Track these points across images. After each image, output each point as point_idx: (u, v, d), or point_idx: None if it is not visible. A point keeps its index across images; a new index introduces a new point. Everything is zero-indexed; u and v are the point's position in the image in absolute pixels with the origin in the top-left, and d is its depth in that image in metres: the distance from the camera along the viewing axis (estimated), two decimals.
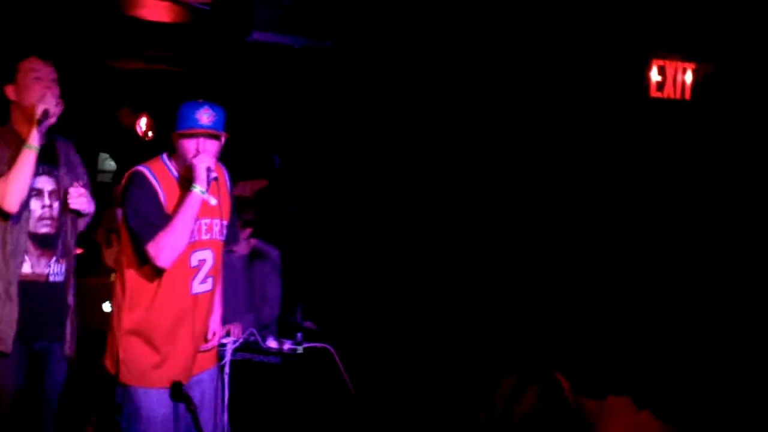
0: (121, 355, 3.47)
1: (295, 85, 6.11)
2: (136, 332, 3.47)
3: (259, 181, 5.86)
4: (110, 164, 7.72)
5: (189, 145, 3.42)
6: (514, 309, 5.46)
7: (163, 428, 3.46)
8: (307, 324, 4.95)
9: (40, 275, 3.61)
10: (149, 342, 3.47)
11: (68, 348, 3.72)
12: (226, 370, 4.10)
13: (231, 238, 3.75)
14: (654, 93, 5.42)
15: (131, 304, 3.48)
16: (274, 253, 5.06)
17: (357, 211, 6.07)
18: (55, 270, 3.64)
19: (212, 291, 3.61)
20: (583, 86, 5.47)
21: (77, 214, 3.71)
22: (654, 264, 5.28)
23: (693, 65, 5.49)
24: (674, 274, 5.19)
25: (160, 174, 3.47)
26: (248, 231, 4.95)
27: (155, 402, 3.44)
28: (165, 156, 3.53)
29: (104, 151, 7.76)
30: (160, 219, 3.39)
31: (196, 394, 3.51)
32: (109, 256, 6.42)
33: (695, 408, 4.55)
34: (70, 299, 3.71)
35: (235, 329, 4.54)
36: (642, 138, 5.45)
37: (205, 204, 3.44)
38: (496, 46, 5.40)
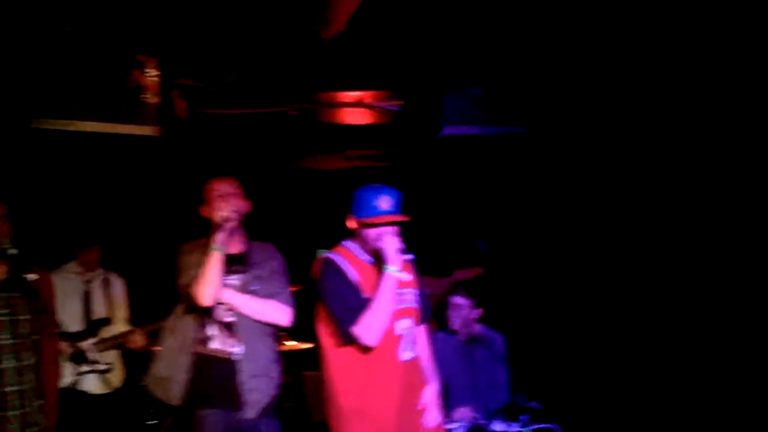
0: None
1: (491, 172, 6.21)
2: (354, 410, 3.65)
3: (474, 269, 5.96)
4: None
5: (371, 231, 3.65)
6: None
7: None
8: (533, 404, 4.91)
9: (224, 353, 4.10)
10: (368, 416, 3.63)
11: (250, 414, 4.05)
12: None
13: (425, 312, 3.90)
14: None
15: (345, 386, 3.68)
16: (498, 338, 5.09)
17: (571, 289, 5.99)
18: (238, 351, 4.08)
19: (417, 358, 3.76)
20: None
21: None
22: None
23: None
24: None
25: (348, 258, 3.71)
26: (477, 312, 5.01)
27: None
28: (348, 242, 3.80)
29: (321, 248, 8.17)
30: (359, 301, 3.59)
31: None
32: None
33: None
34: (243, 376, 4.06)
35: (465, 413, 4.60)
36: None
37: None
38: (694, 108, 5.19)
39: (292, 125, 5.80)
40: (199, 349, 4.12)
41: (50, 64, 4.35)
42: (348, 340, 3.61)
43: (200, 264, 4.03)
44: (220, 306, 4.12)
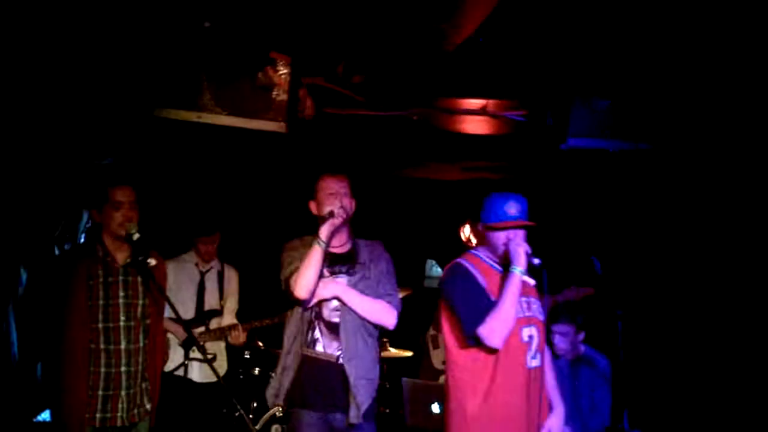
0: None
1: (612, 189, 6.06)
2: (480, 414, 3.68)
3: (585, 288, 5.86)
4: (437, 270, 8.06)
5: (499, 236, 3.72)
6: None
7: None
8: (636, 431, 4.78)
9: (330, 356, 4.11)
10: (495, 420, 3.65)
11: (353, 417, 4.07)
12: None
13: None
14: None
15: (472, 389, 3.71)
16: (603, 361, 5.00)
17: (683, 313, 5.78)
18: (342, 353, 4.10)
19: (542, 367, 3.77)
20: None
21: None
22: None
23: None
24: None
25: (476, 264, 3.78)
26: (582, 334, 4.94)
27: None
28: (475, 250, 3.86)
29: (431, 258, 8.14)
30: (486, 303, 3.65)
31: None
32: (436, 358, 6.68)
33: None
34: (348, 379, 4.08)
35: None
36: None
37: (524, 283, 3.69)
38: None
39: (413, 131, 5.80)
40: (307, 352, 4.13)
41: (185, 55, 4.47)
42: (473, 341, 3.65)
43: (302, 259, 4.07)
44: (327, 305, 4.13)
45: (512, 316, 3.61)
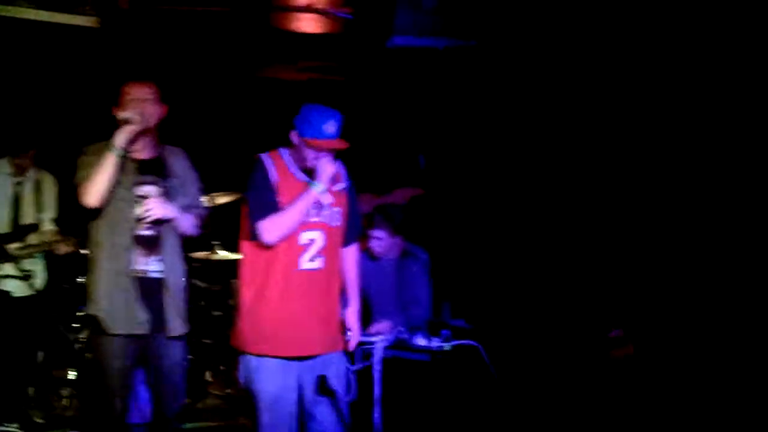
0: (242, 326, 3.87)
1: (439, 86, 6.14)
2: (253, 306, 3.84)
3: (414, 189, 5.97)
4: None
5: (310, 151, 3.80)
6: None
7: (277, 400, 3.80)
8: (458, 323, 5.00)
9: (141, 271, 4.00)
10: (264, 315, 3.82)
11: (171, 331, 4.03)
12: (377, 367, 4.29)
13: (350, 233, 4.06)
14: None
15: (248, 281, 3.88)
16: (422, 255, 5.15)
17: (504, 208, 6.01)
18: (155, 267, 4.02)
19: (324, 270, 3.89)
20: None
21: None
22: None
23: None
24: None
25: (278, 165, 3.87)
26: (398, 237, 5.08)
27: (268, 372, 3.81)
28: (284, 150, 3.91)
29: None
30: (272, 200, 3.79)
31: (331, 373, 3.88)
32: None
33: None
34: (167, 293, 4.02)
35: (384, 326, 4.66)
36: None
37: (327, 192, 3.80)
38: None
39: (241, 28, 5.64)
40: (134, 272, 3.98)
41: None
42: (253, 233, 3.80)
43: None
44: (140, 220, 3.98)
45: (294, 224, 3.77)
